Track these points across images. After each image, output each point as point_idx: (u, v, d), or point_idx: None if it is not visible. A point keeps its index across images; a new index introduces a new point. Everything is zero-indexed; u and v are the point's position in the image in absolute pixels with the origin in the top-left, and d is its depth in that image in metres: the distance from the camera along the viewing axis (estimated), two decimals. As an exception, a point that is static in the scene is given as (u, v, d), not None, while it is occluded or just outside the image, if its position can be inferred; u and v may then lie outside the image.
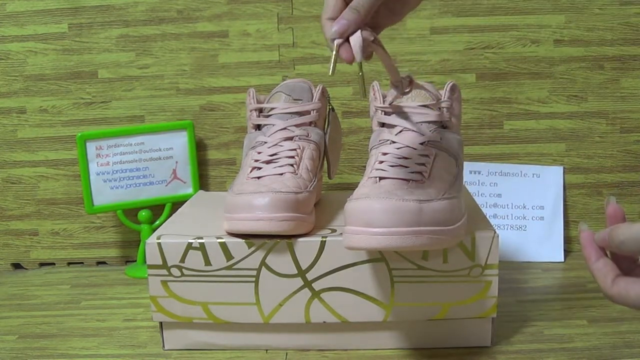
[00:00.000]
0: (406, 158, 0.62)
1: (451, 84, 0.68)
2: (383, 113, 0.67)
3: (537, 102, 0.93)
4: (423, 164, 0.62)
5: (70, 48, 0.93)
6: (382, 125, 0.68)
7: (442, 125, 0.67)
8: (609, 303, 0.75)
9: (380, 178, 0.60)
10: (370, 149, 0.67)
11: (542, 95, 0.93)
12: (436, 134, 0.65)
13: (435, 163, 0.62)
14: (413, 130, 0.64)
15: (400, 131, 0.65)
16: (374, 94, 0.69)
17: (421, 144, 0.64)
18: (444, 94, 0.67)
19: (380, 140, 0.65)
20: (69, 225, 0.97)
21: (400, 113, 0.66)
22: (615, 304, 0.48)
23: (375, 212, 0.54)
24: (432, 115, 0.66)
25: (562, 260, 0.90)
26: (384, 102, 0.68)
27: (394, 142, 0.64)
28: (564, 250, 0.91)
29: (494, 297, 0.63)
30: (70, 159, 0.95)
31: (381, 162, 0.62)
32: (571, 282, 0.83)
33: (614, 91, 0.92)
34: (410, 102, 0.66)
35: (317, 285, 0.63)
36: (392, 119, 0.66)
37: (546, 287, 0.81)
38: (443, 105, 0.67)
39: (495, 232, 0.63)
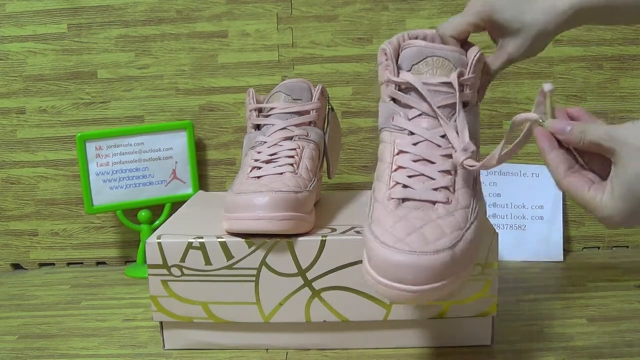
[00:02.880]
0: (429, 162, 0.55)
1: (478, 54, 0.58)
2: (397, 87, 0.58)
3: (536, 101, 0.93)
4: (449, 172, 0.54)
5: (70, 48, 0.93)
6: (394, 100, 0.58)
7: (463, 104, 0.57)
8: (609, 302, 0.75)
9: (404, 200, 0.54)
10: (381, 129, 0.59)
11: (541, 94, 0.93)
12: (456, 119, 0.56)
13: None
14: (432, 117, 0.56)
15: (418, 116, 0.56)
16: (385, 59, 0.59)
17: (442, 136, 0.56)
18: (470, 66, 0.57)
19: (394, 125, 0.57)
20: (68, 226, 0.97)
21: (417, 90, 0.56)
22: (564, 192, 0.50)
23: (405, 269, 0.49)
24: (453, 96, 0.56)
25: (562, 259, 0.90)
26: (397, 73, 0.58)
27: (412, 133, 0.56)
28: (564, 249, 0.91)
29: (494, 296, 0.63)
30: (70, 159, 0.95)
31: (399, 167, 0.55)
32: (571, 281, 0.83)
33: (613, 91, 0.92)
34: (431, 74, 0.57)
35: (317, 285, 0.63)
36: (408, 99, 0.57)
37: (546, 286, 0.81)
38: (468, 82, 0.57)
39: (494, 232, 0.63)
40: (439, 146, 0.56)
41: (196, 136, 0.95)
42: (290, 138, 0.71)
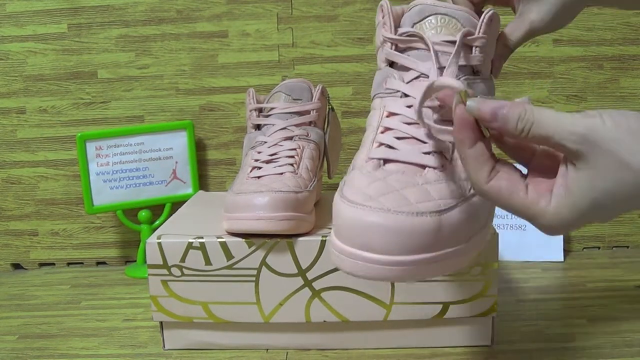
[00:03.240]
0: None
1: (490, 12, 0.49)
2: (393, 47, 0.50)
3: (536, 101, 0.93)
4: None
5: (70, 48, 0.93)
6: (391, 64, 0.51)
7: (472, 70, 0.49)
8: (609, 302, 0.75)
9: (386, 161, 0.45)
10: (373, 97, 0.51)
11: (541, 95, 0.93)
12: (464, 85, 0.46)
13: None
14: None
15: (415, 78, 0.48)
16: (382, 17, 0.51)
17: None
18: (479, 26, 0.49)
19: (387, 89, 0.49)
20: (68, 226, 0.97)
21: (418, 50, 0.49)
22: (487, 199, 0.41)
23: (375, 232, 0.40)
24: (461, 56, 0.48)
25: (562, 259, 0.90)
26: (395, 32, 0.50)
27: (405, 95, 0.48)
28: (564, 249, 0.91)
29: (494, 296, 0.63)
30: (70, 159, 0.95)
31: (386, 129, 0.47)
32: (571, 281, 0.83)
33: (613, 91, 0.92)
34: (434, 34, 0.49)
35: (317, 285, 0.63)
36: (406, 59, 0.49)
37: (546, 286, 0.81)
38: (477, 43, 0.49)
39: (495, 232, 0.63)
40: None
41: (196, 136, 0.95)
42: (290, 138, 0.71)
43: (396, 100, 0.48)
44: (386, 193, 0.42)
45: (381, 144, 0.46)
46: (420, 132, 0.46)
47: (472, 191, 0.45)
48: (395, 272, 0.40)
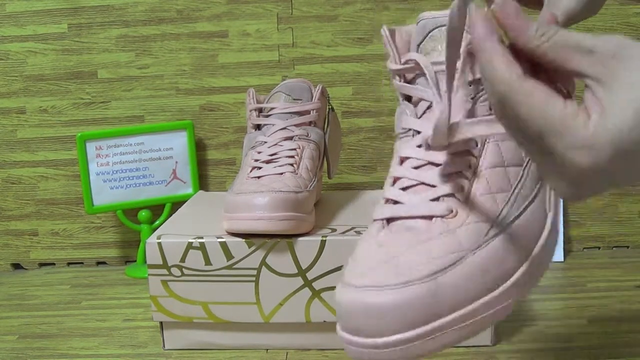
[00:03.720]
0: (434, 164, 0.42)
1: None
2: (401, 79, 0.46)
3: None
4: (459, 173, 0.42)
5: (70, 48, 0.93)
6: (406, 97, 0.46)
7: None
8: (608, 302, 0.75)
9: (390, 220, 0.42)
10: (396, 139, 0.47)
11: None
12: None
13: (484, 160, 0.42)
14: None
15: (428, 109, 0.44)
16: (385, 46, 0.46)
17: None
18: None
19: (402, 129, 0.45)
20: (68, 226, 0.97)
21: (424, 76, 0.44)
22: (514, 107, 0.32)
23: (360, 314, 0.37)
24: (467, 72, 0.43)
25: (562, 260, 0.90)
26: (400, 60, 0.45)
27: (417, 132, 0.44)
28: (564, 249, 0.91)
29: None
30: (70, 159, 0.95)
31: (395, 179, 0.44)
32: (571, 281, 0.83)
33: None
34: (438, 53, 0.44)
35: (317, 285, 0.63)
36: (414, 90, 0.45)
37: (546, 286, 0.81)
38: None
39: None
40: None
41: (196, 136, 0.95)
42: (290, 138, 0.71)
43: (408, 142, 0.45)
44: (379, 265, 0.38)
45: (388, 200, 0.43)
46: (428, 175, 0.42)
47: (491, 234, 0.40)
48: (388, 355, 0.37)
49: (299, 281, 0.63)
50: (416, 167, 0.44)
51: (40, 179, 0.96)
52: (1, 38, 0.93)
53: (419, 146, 0.43)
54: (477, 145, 0.43)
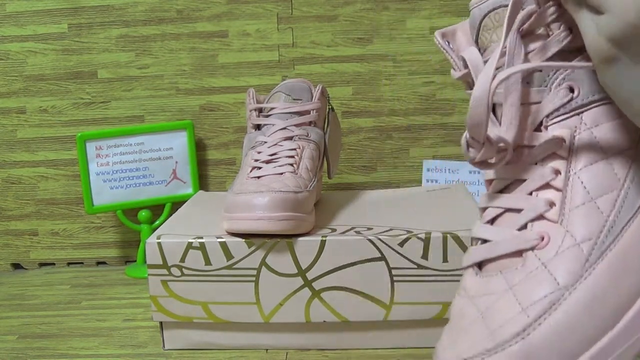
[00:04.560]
0: (520, 180, 0.35)
1: None
2: (467, 86, 0.39)
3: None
4: (549, 186, 0.34)
5: (70, 48, 0.93)
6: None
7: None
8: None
9: (481, 265, 0.35)
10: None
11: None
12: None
13: (577, 159, 0.33)
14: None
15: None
16: (444, 50, 0.39)
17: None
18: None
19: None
20: (68, 225, 0.97)
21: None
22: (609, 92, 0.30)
23: None
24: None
25: (562, 259, 0.90)
26: (460, 66, 0.38)
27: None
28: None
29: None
30: (70, 159, 0.95)
31: (483, 210, 0.37)
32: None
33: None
34: (493, 40, 0.37)
35: (317, 285, 0.63)
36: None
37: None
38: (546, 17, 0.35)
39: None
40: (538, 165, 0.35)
41: (196, 136, 0.95)
42: (290, 138, 0.71)
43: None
44: (471, 325, 0.32)
45: (477, 240, 0.37)
46: (515, 196, 0.34)
47: (595, 254, 0.32)
48: None
49: (299, 281, 0.63)
50: (501, 190, 0.37)
51: (40, 179, 0.96)
52: (1, 38, 0.93)
53: (506, 163, 0.36)
54: (564, 142, 0.34)
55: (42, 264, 0.98)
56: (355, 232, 0.64)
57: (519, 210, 0.35)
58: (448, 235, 0.62)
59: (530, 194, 0.35)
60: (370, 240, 0.62)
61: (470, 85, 0.37)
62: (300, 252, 0.63)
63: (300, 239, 0.63)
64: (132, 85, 0.94)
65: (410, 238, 0.62)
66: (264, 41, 0.93)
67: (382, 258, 0.62)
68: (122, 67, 0.94)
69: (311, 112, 0.73)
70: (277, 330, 0.66)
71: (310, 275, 0.63)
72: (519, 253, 0.34)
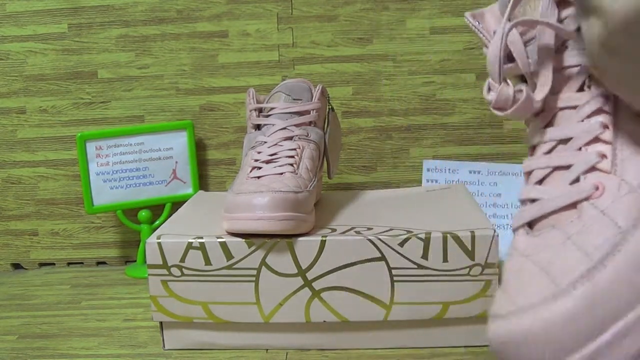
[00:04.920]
0: (565, 141, 0.36)
1: None
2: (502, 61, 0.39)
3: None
4: (598, 139, 0.35)
5: (70, 48, 0.93)
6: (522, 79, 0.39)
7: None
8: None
9: (531, 224, 0.36)
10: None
11: (541, 95, 0.93)
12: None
13: (622, 110, 0.34)
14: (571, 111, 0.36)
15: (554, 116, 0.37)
16: (475, 29, 0.41)
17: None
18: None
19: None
20: (68, 226, 0.97)
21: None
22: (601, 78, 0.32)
23: (512, 351, 0.31)
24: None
25: (562, 259, 0.90)
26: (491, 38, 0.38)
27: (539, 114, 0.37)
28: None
29: (494, 296, 0.63)
30: (70, 159, 0.95)
31: (528, 174, 0.38)
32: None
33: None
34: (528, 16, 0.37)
35: (317, 285, 0.63)
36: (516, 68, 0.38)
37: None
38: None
39: (495, 231, 0.63)
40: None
41: (196, 136, 0.95)
42: (290, 138, 0.71)
43: (536, 126, 0.38)
44: (532, 279, 0.32)
45: (524, 201, 0.37)
46: (563, 155, 0.34)
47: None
48: None
49: (299, 281, 0.63)
50: (547, 152, 0.37)
51: (40, 179, 0.96)
52: (1, 38, 0.93)
53: (546, 126, 0.36)
54: (608, 99, 0.35)
55: (42, 264, 0.98)
56: (355, 232, 0.64)
57: (568, 167, 0.35)
58: (448, 235, 0.62)
59: (580, 149, 0.35)
60: (370, 240, 0.62)
61: (507, 60, 0.39)
62: (300, 252, 0.63)
63: (300, 239, 0.63)
64: (132, 85, 0.94)
65: (410, 238, 0.62)
66: (264, 41, 0.93)
67: (382, 258, 0.62)
68: (122, 67, 0.94)
69: (311, 112, 0.73)
70: (277, 330, 0.66)
71: (310, 275, 0.63)
72: (573, 206, 0.34)
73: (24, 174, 0.96)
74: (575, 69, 0.36)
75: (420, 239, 0.62)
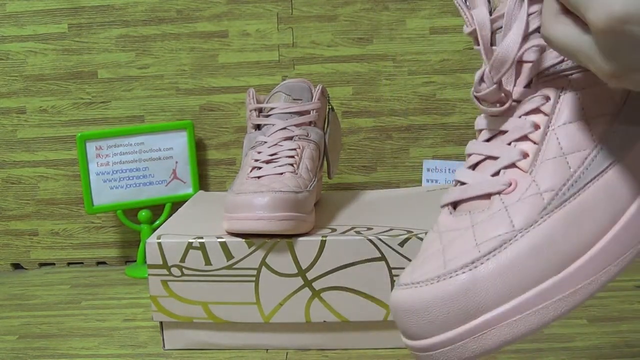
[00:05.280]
0: (503, 132, 0.38)
1: None
2: (476, 43, 0.41)
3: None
4: (527, 138, 0.37)
5: (70, 48, 0.93)
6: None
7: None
8: (609, 302, 0.74)
9: (456, 203, 0.39)
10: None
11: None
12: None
13: (558, 116, 0.36)
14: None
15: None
16: (460, 8, 0.41)
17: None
18: None
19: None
20: (69, 226, 0.97)
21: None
22: (549, 45, 0.33)
23: (403, 316, 0.35)
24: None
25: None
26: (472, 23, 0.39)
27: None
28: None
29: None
30: (70, 159, 0.95)
31: (468, 156, 0.40)
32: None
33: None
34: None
35: (317, 285, 0.63)
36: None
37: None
38: None
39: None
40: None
41: (196, 136, 0.95)
42: (290, 138, 0.71)
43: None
44: (433, 255, 0.35)
45: (456, 182, 0.40)
46: (497, 144, 0.37)
47: (554, 203, 0.34)
48: (439, 356, 0.33)
49: (299, 281, 0.63)
50: (488, 139, 0.39)
51: (40, 179, 0.96)
52: (1, 38, 0.93)
53: (497, 115, 0.38)
54: (548, 100, 0.37)
55: (42, 264, 0.98)
56: (355, 232, 0.64)
57: (495, 158, 0.37)
58: (448, 235, 0.62)
59: (510, 144, 0.37)
60: (370, 240, 0.62)
61: (477, 41, 0.40)
62: (300, 252, 0.63)
63: (300, 239, 0.63)
64: (132, 85, 0.94)
65: (410, 238, 0.62)
66: (264, 41, 0.93)
67: (382, 258, 0.62)
68: (122, 67, 0.94)
69: (311, 112, 0.73)
70: (277, 330, 0.66)
71: (310, 275, 0.63)
72: (487, 196, 0.37)
73: (24, 174, 0.96)
74: (528, 65, 0.38)
75: (420, 239, 0.62)
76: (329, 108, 0.78)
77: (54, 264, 0.98)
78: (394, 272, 0.62)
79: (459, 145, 0.94)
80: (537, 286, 0.33)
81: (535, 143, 0.37)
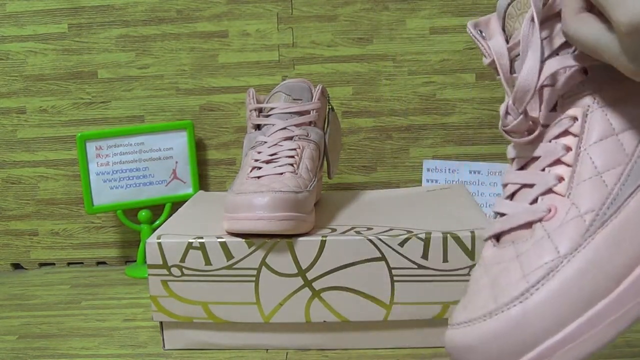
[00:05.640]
0: (535, 158, 0.39)
1: None
2: (498, 74, 0.42)
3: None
4: (559, 162, 0.37)
5: (70, 48, 0.93)
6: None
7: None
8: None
9: (499, 236, 0.39)
10: None
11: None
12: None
13: (588, 136, 0.36)
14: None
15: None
16: (476, 40, 0.42)
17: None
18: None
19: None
20: (69, 226, 0.97)
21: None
22: (571, 42, 0.34)
23: (456, 357, 0.35)
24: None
25: (562, 259, 0.90)
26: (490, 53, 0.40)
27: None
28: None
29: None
30: (70, 159, 0.95)
31: (504, 187, 0.40)
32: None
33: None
34: (516, 28, 0.40)
35: (317, 285, 0.63)
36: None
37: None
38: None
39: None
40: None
41: (196, 136, 0.95)
42: (290, 138, 0.71)
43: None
44: (481, 290, 0.35)
45: (497, 214, 0.39)
46: (531, 172, 0.37)
47: (596, 224, 0.33)
48: None
49: (299, 281, 0.63)
50: (521, 167, 0.39)
51: (40, 179, 0.96)
52: (1, 38, 0.93)
53: (528, 143, 0.38)
54: (576, 120, 0.36)
55: (42, 264, 0.98)
56: (355, 232, 0.64)
57: (531, 186, 0.37)
58: (448, 235, 0.62)
59: (543, 170, 0.37)
60: (370, 240, 0.62)
61: (497, 71, 0.40)
62: (300, 252, 0.63)
63: (300, 239, 0.63)
64: (132, 85, 0.94)
65: (410, 238, 0.62)
66: (264, 41, 0.93)
67: (382, 258, 0.62)
68: (122, 67, 0.94)
69: (311, 112, 0.73)
70: (277, 330, 0.66)
71: (310, 275, 0.63)
72: (529, 225, 0.36)
73: (24, 174, 0.96)
74: (551, 89, 0.38)
75: (420, 239, 0.62)
76: (329, 108, 0.78)
77: (54, 264, 0.98)
78: (394, 272, 0.62)
79: (459, 145, 0.94)
80: (588, 311, 0.33)
81: (569, 166, 0.36)
